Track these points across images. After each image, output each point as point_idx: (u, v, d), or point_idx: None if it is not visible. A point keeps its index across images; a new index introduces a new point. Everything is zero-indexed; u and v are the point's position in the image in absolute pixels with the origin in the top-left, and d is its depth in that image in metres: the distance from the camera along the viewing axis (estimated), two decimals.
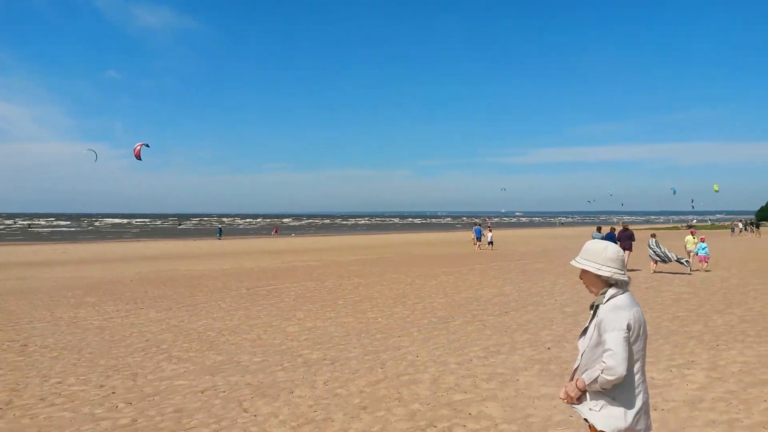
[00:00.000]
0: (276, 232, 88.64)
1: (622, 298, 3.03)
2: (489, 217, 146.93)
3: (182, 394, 6.96)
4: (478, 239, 37.04)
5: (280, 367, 8.14)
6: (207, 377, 7.73)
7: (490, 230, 40.09)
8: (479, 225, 40.67)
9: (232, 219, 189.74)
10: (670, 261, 19.63)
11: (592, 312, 3.12)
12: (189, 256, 34.91)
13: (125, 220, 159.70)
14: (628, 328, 2.93)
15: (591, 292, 3.17)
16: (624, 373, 2.84)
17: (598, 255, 3.10)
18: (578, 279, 3.27)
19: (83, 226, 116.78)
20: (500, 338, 9.67)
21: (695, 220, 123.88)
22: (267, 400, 6.65)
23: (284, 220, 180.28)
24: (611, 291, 3.05)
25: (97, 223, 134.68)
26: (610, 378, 2.86)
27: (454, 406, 6.23)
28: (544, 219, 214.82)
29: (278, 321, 11.86)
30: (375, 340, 9.78)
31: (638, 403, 2.98)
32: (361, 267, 24.84)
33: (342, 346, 9.41)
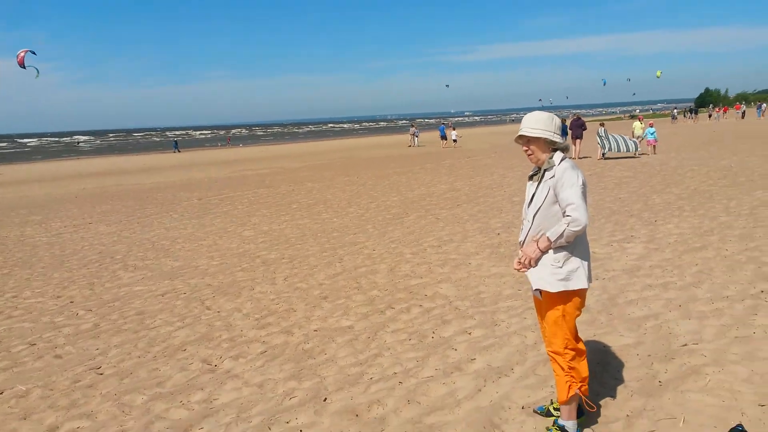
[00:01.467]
0: (229, 142, 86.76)
1: (571, 161, 3.17)
2: (444, 118, 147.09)
3: (143, 299, 7.02)
4: (443, 138, 38.99)
5: (239, 268, 8.24)
6: (166, 282, 7.77)
7: (453, 129, 41.60)
8: (444, 124, 43.46)
9: (185, 132, 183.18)
10: (620, 150, 20.29)
11: (536, 179, 3.24)
12: (135, 171, 33.92)
13: (65, 138, 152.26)
14: (584, 183, 3.07)
15: (536, 161, 3.26)
16: (587, 223, 3.00)
17: (549, 124, 3.18)
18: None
19: (16, 147, 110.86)
20: (453, 228, 9.97)
21: (638, 110, 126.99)
22: (229, 298, 6.78)
23: (237, 130, 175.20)
24: (560, 154, 3.17)
25: (33, 143, 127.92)
26: (576, 229, 3.00)
27: (410, 290, 6.51)
28: (498, 117, 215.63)
29: (233, 227, 11.85)
30: (332, 239, 9.95)
31: (588, 257, 3.19)
32: (313, 172, 24.74)
33: (299, 246, 9.54)
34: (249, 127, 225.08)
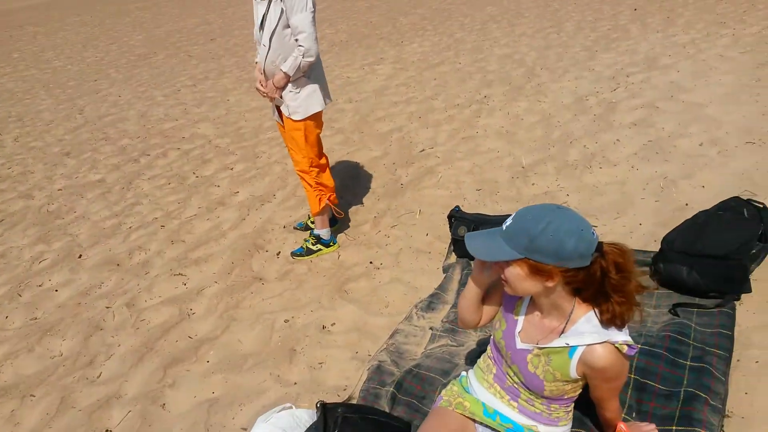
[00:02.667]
0: None
1: None
2: None
3: None
4: None
5: None
6: None
7: None
8: None
9: None
10: None
11: (264, 2, 3.12)
12: None
13: None
14: (314, 4, 3.03)
15: None
16: (318, 51, 3.02)
17: None
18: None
19: None
20: (207, 65, 9.41)
21: None
22: None
23: None
24: None
25: None
26: (310, 59, 3.01)
27: (165, 134, 6.17)
28: None
29: None
30: (68, 89, 8.77)
31: (324, 79, 3.28)
32: (36, 13, 20.79)
33: (28, 101, 8.27)
34: None
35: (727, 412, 1.97)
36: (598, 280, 1.52)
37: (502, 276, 1.60)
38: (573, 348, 1.59)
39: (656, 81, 5.30)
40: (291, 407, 2.21)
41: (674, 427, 1.93)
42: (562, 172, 3.99)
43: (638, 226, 3.18)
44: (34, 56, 11.82)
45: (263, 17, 3.14)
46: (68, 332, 3.09)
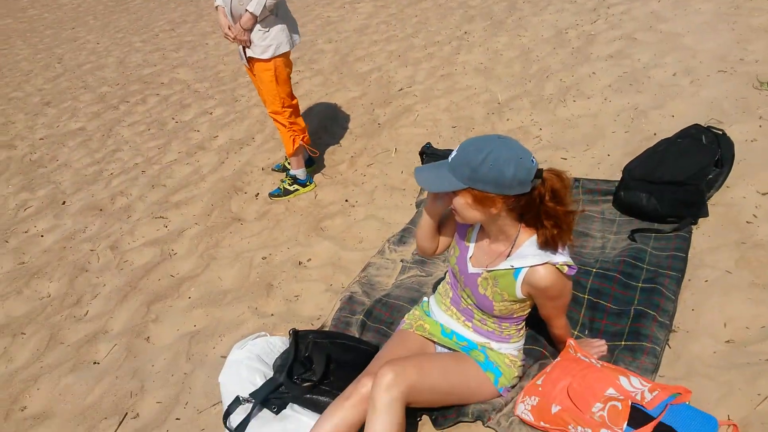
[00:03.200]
0: None
1: None
2: None
3: None
4: None
5: None
6: None
7: None
8: None
9: None
10: None
11: None
12: None
13: None
14: None
15: None
16: None
17: None
18: None
19: None
20: (186, 9, 9.21)
21: None
22: None
23: None
24: None
25: None
26: None
27: (144, 80, 6.13)
28: None
29: None
30: (45, 38, 8.61)
31: (290, 18, 3.27)
32: None
33: (5, 50, 8.14)
34: None
35: (673, 327, 2.10)
36: (538, 205, 1.60)
37: (451, 206, 1.68)
38: (517, 270, 1.69)
39: (637, 12, 5.25)
40: (265, 335, 2.34)
41: (623, 342, 2.07)
42: (537, 107, 4.02)
43: (606, 157, 3.25)
44: (8, 5, 11.52)
45: None
46: (55, 274, 3.20)
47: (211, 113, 5.11)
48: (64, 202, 3.95)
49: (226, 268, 3.01)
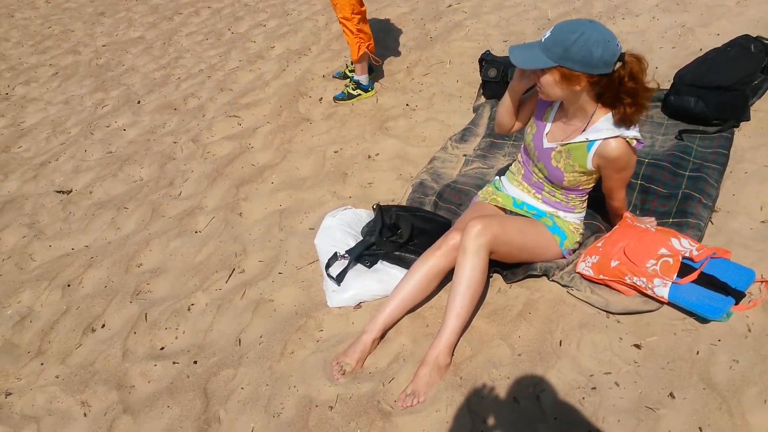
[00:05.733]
0: None
1: None
2: None
3: None
4: None
5: None
6: None
7: None
8: None
9: None
10: None
11: None
12: None
13: None
14: None
15: None
16: None
17: None
18: None
19: None
20: None
21: None
22: None
23: None
24: None
25: None
26: None
27: None
28: None
29: None
30: None
31: None
32: None
33: None
34: None
35: (716, 208, 2.40)
36: (617, 85, 1.86)
37: (537, 83, 1.95)
38: (591, 142, 1.97)
39: None
40: (351, 207, 2.67)
41: (671, 220, 2.37)
42: None
43: (655, 70, 3.46)
44: None
45: None
46: (144, 161, 3.53)
47: (264, 25, 5.30)
48: (138, 102, 4.24)
49: (302, 159, 3.32)
